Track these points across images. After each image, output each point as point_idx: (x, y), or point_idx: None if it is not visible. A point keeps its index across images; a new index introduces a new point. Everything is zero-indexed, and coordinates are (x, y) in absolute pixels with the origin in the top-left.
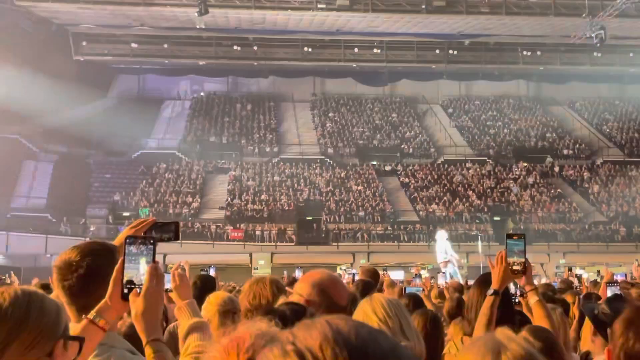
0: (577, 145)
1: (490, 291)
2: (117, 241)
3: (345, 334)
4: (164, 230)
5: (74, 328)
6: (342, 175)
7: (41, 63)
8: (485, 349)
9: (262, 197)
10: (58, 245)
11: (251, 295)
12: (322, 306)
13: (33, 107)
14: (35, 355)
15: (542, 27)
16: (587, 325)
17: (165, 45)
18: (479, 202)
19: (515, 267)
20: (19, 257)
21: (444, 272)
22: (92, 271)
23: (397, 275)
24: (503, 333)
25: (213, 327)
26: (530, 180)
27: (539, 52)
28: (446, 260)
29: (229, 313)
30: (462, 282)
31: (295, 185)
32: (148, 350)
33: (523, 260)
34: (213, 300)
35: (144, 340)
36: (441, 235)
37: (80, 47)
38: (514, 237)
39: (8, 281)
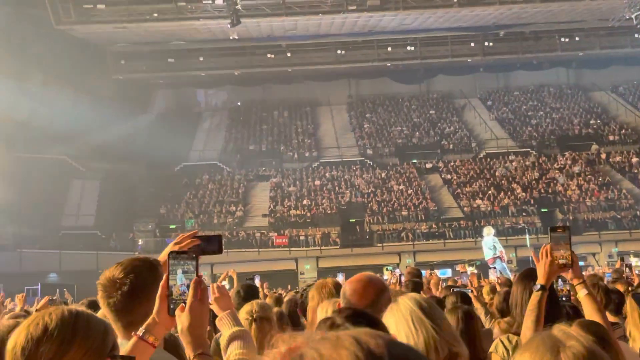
0: (623, 131)
1: (537, 287)
2: (161, 257)
3: (377, 355)
4: (208, 243)
5: (124, 345)
6: (383, 175)
7: (82, 84)
8: (544, 347)
9: (304, 202)
10: (109, 261)
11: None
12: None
13: (77, 127)
14: None
15: (578, 11)
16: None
17: (201, 58)
18: (524, 194)
19: (561, 261)
20: (72, 275)
21: (494, 268)
22: (135, 288)
23: (444, 273)
24: (560, 330)
25: (252, 337)
26: (576, 169)
27: (577, 38)
28: (495, 256)
29: (262, 320)
30: (511, 277)
31: (337, 188)
32: None
33: (569, 252)
34: (243, 310)
35: (190, 354)
36: (488, 231)
37: (118, 65)
38: (558, 230)
39: (67, 297)
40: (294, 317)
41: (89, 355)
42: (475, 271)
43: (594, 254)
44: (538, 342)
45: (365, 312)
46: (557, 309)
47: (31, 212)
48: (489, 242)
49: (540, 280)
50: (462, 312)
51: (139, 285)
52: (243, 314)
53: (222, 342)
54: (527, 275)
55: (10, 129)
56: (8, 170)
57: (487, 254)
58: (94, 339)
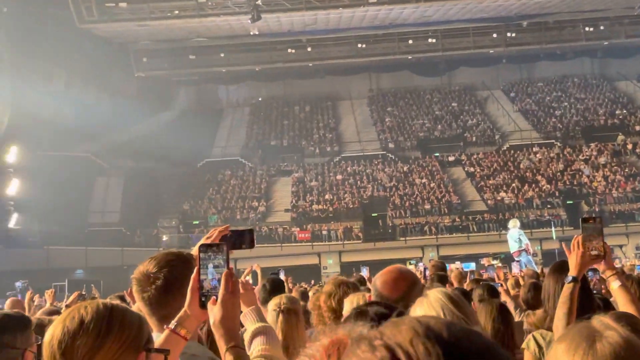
0: None
1: (568, 279)
2: (194, 251)
3: (436, 330)
4: (240, 237)
5: (156, 338)
6: (405, 169)
7: (105, 82)
8: (580, 337)
9: (326, 196)
10: (133, 256)
11: (336, 298)
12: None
13: (101, 126)
14: None
15: (603, 0)
16: None
17: (222, 54)
18: (549, 186)
19: (593, 252)
20: (98, 271)
21: (518, 261)
22: (169, 282)
23: (468, 267)
24: (599, 320)
25: (279, 329)
26: (602, 160)
27: (601, 27)
28: (521, 249)
29: (290, 312)
30: (537, 270)
31: (358, 182)
32: (228, 357)
33: (601, 243)
34: (271, 302)
35: (223, 347)
36: (513, 224)
37: (140, 63)
38: (590, 221)
39: (95, 293)
40: None
41: (124, 348)
42: (501, 265)
43: (620, 246)
44: (574, 332)
45: (393, 306)
46: (589, 300)
47: (57, 210)
48: (515, 235)
49: (572, 272)
50: (496, 305)
51: (172, 280)
52: (272, 305)
53: (246, 337)
54: (559, 267)
55: (36, 128)
56: (34, 169)
57: (513, 247)
58: (129, 332)
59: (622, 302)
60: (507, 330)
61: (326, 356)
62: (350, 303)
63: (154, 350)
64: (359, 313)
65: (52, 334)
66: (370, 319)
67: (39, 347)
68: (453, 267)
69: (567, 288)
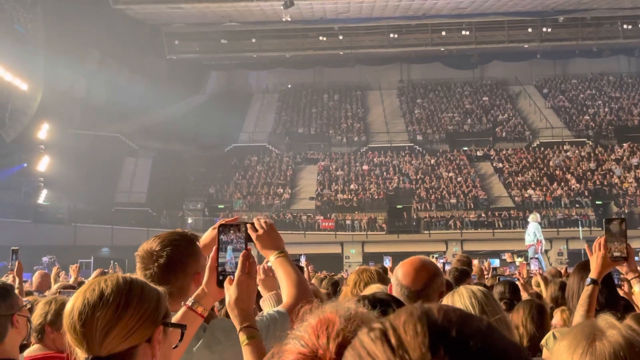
0: None
1: (588, 280)
2: (203, 240)
3: (433, 315)
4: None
5: (175, 316)
6: (432, 162)
7: (137, 64)
8: (582, 335)
9: (351, 186)
10: None
11: (362, 285)
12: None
13: (131, 106)
14: (135, 341)
15: None
16: None
17: (253, 40)
18: (578, 185)
19: (615, 254)
20: (123, 250)
21: (535, 258)
22: (172, 261)
23: (492, 263)
24: (605, 319)
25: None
26: (634, 161)
27: None
28: (531, 243)
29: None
30: (545, 269)
31: (384, 173)
32: (242, 336)
33: (624, 245)
34: None
35: (237, 326)
36: (533, 217)
37: (172, 46)
38: (614, 222)
39: (118, 271)
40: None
41: (142, 321)
42: (525, 262)
43: None
44: (578, 330)
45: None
46: (614, 299)
47: (86, 188)
48: (530, 229)
49: (593, 274)
50: (536, 305)
51: (175, 259)
52: None
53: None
54: (584, 266)
55: (69, 106)
56: (65, 146)
57: (526, 240)
58: (147, 306)
59: None
60: (541, 329)
61: (315, 336)
62: (374, 288)
63: (171, 325)
64: (360, 299)
65: (73, 304)
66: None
67: (30, 310)
68: (476, 262)
69: (587, 290)
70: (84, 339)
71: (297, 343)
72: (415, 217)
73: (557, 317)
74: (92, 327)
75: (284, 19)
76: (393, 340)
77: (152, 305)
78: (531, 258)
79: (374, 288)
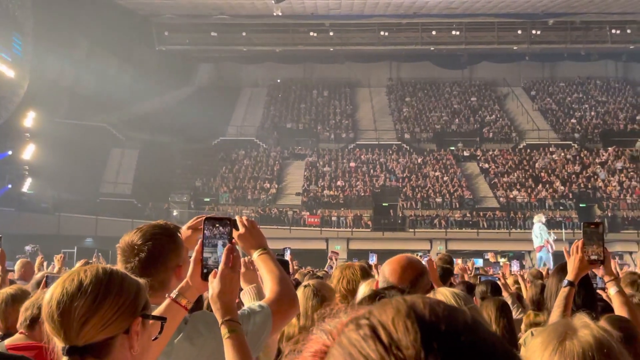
0: None
1: (565, 282)
2: (183, 231)
3: (419, 310)
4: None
5: (158, 308)
6: (419, 161)
7: (126, 54)
8: (554, 334)
9: (338, 183)
10: None
11: (345, 281)
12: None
13: (119, 97)
14: (112, 331)
15: (631, 3)
16: None
17: (244, 34)
18: (562, 188)
19: (592, 257)
20: (107, 240)
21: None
22: (152, 255)
23: (476, 263)
24: (579, 319)
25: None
26: (619, 165)
27: (628, 30)
28: (540, 245)
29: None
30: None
31: (371, 171)
32: (223, 329)
33: (601, 249)
34: None
35: (219, 320)
36: (537, 219)
37: (162, 37)
38: (591, 225)
39: (102, 262)
40: None
41: (121, 312)
42: (508, 262)
43: (630, 253)
44: (552, 328)
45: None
46: (592, 303)
47: (71, 178)
48: (536, 230)
49: (569, 276)
50: (497, 303)
51: (156, 253)
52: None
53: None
54: (563, 268)
55: (55, 95)
56: (51, 135)
57: (535, 242)
58: (126, 297)
59: (617, 306)
60: (508, 326)
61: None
62: (367, 286)
63: (150, 317)
64: (374, 296)
65: (52, 294)
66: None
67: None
68: (459, 262)
69: (563, 292)
70: (61, 328)
71: (324, 335)
72: (400, 215)
73: (531, 319)
74: (69, 317)
75: (274, 14)
76: (384, 338)
77: (131, 297)
78: (542, 261)
79: (373, 283)
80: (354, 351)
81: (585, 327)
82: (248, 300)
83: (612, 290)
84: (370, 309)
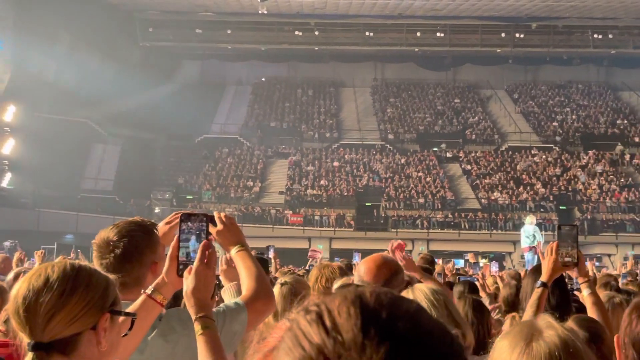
0: None
1: (538, 283)
2: (160, 228)
3: (365, 298)
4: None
5: (133, 304)
6: (402, 161)
7: (109, 49)
8: (520, 335)
9: (321, 182)
10: None
11: (323, 280)
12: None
13: (101, 92)
14: (79, 327)
15: (613, 8)
16: None
17: (228, 31)
18: (543, 190)
19: (566, 259)
20: (88, 237)
21: (539, 256)
22: (128, 251)
23: (457, 264)
24: (544, 320)
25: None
26: (599, 168)
27: (610, 35)
28: (531, 246)
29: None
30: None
31: (355, 170)
32: (197, 326)
33: (575, 251)
34: None
35: (193, 316)
36: (531, 220)
37: (146, 33)
38: (566, 228)
39: (81, 258)
40: None
41: (88, 307)
42: (489, 263)
43: (609, 255)
44: (517, 330)
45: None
46: (566, 302)
47: (51, 173)
48: (529, 231)
49: (543, 278)
50: (470, 301)
51: (132, 250)
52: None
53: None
54: (538, 269)
55: (36, 89)
56: (31, 130)
57: (524, 242)
58: (94, 293)
59: (588, 307)
60: (482, 325)
61: None
62: (342, 283)
63: (119, 313)
64: (347, 286)
65: (18, 290)
66: None
67: None
68: (440, 262)
69: (536, 292)
70: (26, 324)
71: (287, 322)
72: (383, 215)
73: (506, 324)
74: (35, 313)
75: (260, 12)
76: (327, 322)
77: (99, 293)
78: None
79: (348, 280)
80: (300, 334)
81: (550, 327)
82: (228, 298)
83: (585, 291)
84: (323, 297)
